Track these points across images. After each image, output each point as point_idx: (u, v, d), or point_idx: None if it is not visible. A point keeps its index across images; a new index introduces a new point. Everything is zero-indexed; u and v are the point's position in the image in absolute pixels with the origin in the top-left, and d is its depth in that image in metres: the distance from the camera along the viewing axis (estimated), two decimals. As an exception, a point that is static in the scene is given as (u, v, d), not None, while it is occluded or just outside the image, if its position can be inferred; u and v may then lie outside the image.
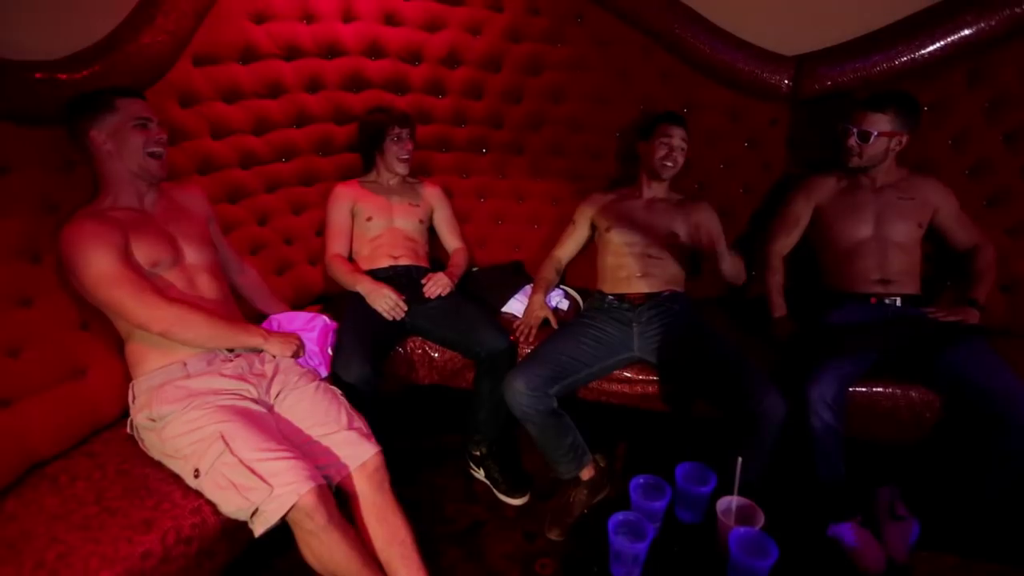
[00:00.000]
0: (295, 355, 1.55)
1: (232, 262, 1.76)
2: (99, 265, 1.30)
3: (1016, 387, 1.48)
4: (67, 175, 1.48)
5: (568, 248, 2.15)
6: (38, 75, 1.42)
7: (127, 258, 1.34)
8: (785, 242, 1.99)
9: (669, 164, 1.94)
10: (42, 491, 1.24)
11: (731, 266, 1.84)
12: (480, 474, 1.96)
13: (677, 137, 1.92)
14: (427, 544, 1.68)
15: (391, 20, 2.15)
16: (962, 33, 1.87)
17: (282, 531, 1.22)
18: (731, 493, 1.13)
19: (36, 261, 1.40)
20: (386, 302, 1.86)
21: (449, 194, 2.31)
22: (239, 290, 1.76)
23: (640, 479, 1.17)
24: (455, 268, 2.10)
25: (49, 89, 1.46)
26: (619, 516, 1.05)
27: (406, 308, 1.89)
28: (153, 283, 1.37)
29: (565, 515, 1.75)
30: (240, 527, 1.23)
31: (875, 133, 1.76)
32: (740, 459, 1.12)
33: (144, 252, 1.39)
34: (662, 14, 2.10)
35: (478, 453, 1.95)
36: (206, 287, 1.51)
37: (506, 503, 1.88)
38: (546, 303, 2.04)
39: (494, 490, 1.91)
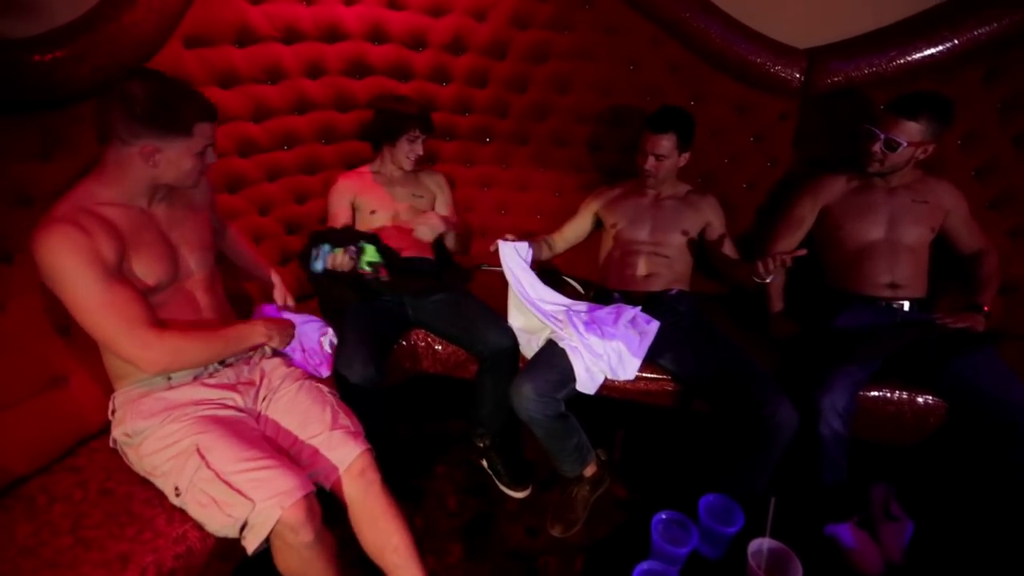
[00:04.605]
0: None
1: (220, 228, 1.44)
2: (82, 289, 0.97)
3: None
4: (43, 165, 1.19)
5: (565, 234, 1.83)
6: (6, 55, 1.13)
7: (116, 278, 1.01)
8: (787, 243, 1.69)
9: (650, 179, 1.65)
10: (16, 515, 1.00)
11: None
12: (483, 463, 1.75)
13: (661, 147, 1.59)
14: (432, 540, 1.49)
15: (394, 4, 1.81)
16: (983, 29, 1.59)
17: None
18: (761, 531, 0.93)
19: (7, 261, 1.12)
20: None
21: (452, 183, 2.03)
22: (225, 253, 1.47)
23: (662, 515, 0.95)
24: (452, 218, 1.82)
25: (19, 71, 1.17)
26: (644, 566, 0.84)
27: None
28: (147, 306, 1.06)
29: (568, 511, 1.55)
30: (233, 543, 1.00)
31: (904, 144, 1.46)
32: (773, 499, 0.91)
33: (142, 271, 1.07)
34: (674, 2, 1.78)
35: (481, 445, 1.73)
36: (204, 302, 1.21)
37: (509, 496, 1.68)
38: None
39: (497, 482, 1.70)
